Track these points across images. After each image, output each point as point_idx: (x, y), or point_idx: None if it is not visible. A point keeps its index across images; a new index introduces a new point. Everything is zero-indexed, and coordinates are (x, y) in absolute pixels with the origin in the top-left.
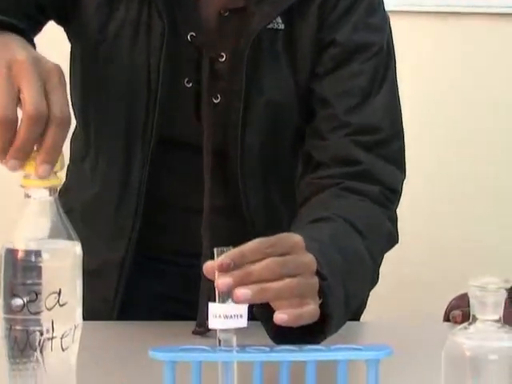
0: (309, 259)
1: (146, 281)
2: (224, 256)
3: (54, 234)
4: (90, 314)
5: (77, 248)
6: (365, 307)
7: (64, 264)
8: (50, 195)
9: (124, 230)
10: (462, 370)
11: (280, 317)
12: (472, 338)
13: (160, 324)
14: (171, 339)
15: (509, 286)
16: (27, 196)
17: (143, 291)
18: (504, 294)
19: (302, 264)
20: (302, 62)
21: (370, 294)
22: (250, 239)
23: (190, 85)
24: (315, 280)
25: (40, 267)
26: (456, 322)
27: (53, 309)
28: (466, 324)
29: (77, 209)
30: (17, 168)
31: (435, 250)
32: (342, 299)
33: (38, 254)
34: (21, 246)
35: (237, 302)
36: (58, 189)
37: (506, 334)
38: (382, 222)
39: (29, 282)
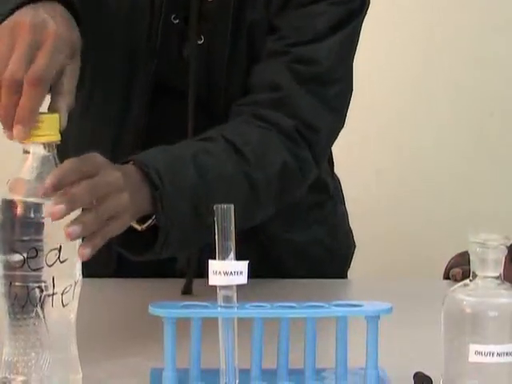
0: (114, 177)
1: None
2: (51, 176)
3: None
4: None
5: None
6: (349, 264)
7: (64, 220)
8: (49, 151)
9: None
10: (462, 326)
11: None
12: (472, 295)
13: (159, 281)
14: (172, 296)
15: (509, 243)
16: (26, 151)
17: None
18: (504, 251)
19: (107, 184)
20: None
21: (372, 252)
22: None
23: (177, 21)
24: (124, 196)
25: (40, 223)
26: (456, 280)
27: (53, 265)
28: (465, 281)
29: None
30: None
31: (435, 208)
32: (186, 211)
33: (37, 210)
34: (20, 201)
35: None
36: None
37: (506, 290)
38: (276, 152)
39: (29, 238)
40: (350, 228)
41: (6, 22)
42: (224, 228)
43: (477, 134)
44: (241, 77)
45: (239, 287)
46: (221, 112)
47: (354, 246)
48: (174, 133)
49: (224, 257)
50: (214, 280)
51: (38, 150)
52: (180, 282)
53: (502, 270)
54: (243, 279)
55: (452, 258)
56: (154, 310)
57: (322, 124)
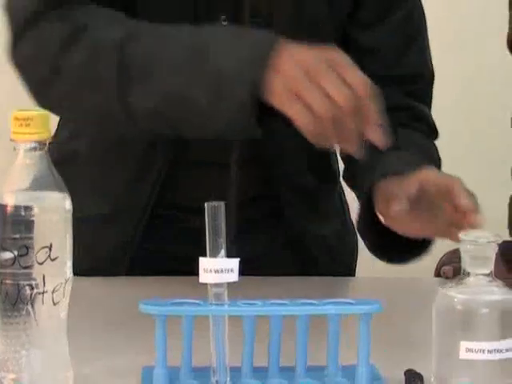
0: None
1: (159, 233)
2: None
3: (43, 188)
4: (98, 262)
5: (67, 201)
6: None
7: (55, 217)
8: (40, 149)
9: (150, 172)
10: (453, 323)
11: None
12: (463, 292)
13: (156, 279)
14: (168, 295)
15: (500, 240)
16: (17, 149)
17: (155, 243)
18: (495, 248)
19: None
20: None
21: (363, 249)
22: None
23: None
24: None
25: (31, 221)
26: (447, 277)
27: (44, 263)
28: (457, 278)
29: (88, 152)
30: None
31: None
32: None
33: (28, 207)
34: (11, 199)
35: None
36: (48, 142)
37: (497, 288)
38: (435, 150)
39: (19, 236)
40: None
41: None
42: (215, 225)
43: (469, 135)
44: None
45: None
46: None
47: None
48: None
49: (215, 254)
50: (204, 278)
51: (29, 148)
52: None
53: (492, 268)
54: (234, 277)
55: (443, 256)
56: (144, 308)
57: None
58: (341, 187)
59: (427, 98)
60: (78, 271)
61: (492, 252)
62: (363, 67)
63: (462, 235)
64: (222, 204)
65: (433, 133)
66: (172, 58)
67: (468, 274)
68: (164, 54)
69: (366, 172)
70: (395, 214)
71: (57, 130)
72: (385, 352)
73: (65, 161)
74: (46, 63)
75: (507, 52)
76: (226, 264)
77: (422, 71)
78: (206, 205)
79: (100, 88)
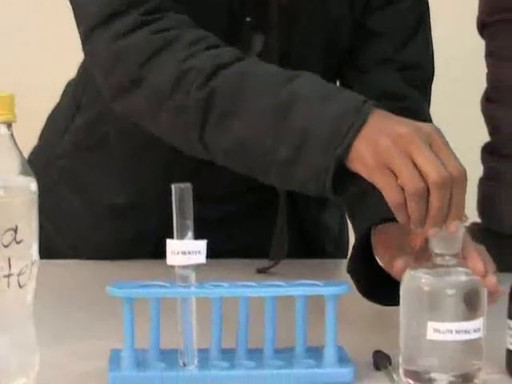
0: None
1: None
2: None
3: (9, 170)
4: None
5: (32, 184)
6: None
7: (20, 200)
8: (7, 130)
9: (178, 168)
10: (421, 304)
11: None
12: (430, 273)
13: (128, 263)
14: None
15: (467, 221)
16: None
17: None
18: (462, 230)
19: None
20: None
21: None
22: None
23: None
24: None
25: None
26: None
27: (9, 246)
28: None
29: (117, 139)
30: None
31: None
32: None
33: None
34: None
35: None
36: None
37: (465, 269)
38: None
39: None
40: None
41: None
42: (182, 207)
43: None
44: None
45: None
46: None
47: None
48: None
49: (182, 236)
50: (172, 260)
51: None
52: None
53: (460, 249)
54: (202, 258)
55: None
56: (111, 291)
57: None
58: None
59: (426, 90)
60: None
61: (459, 233)
62: (368, 50)
63: None
64: (188, 185)
65: None
66: (258, 101)
67: (435, 256)
68: (250, 96)
69: (364, 211)
70: (401, 269)
71: (79, 106)
72: (353, 334)
73: (94, 145)
74: (127, 71)
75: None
76: (194, 246)
77: (425, 62)
78: (172, 186)
79: (180, 115)
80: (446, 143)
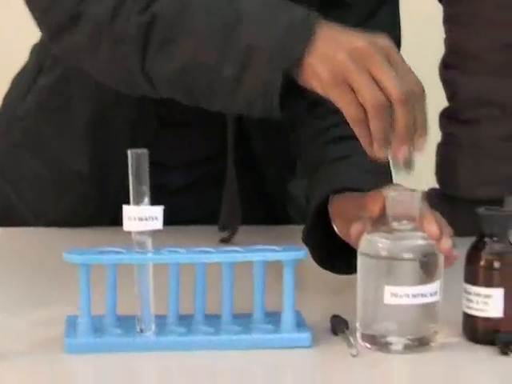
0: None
1: None
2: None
3: None
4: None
5: None
6: None
7: None
8: None
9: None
10: (378, 269)
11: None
12: (387, 238)
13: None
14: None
15: (425, 188)
16: None
17: None
18: (419, 195)
19: None
20: None
21: None
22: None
23: None
24: None
25: None
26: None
27: None
28: (381, 224)
29: (79, 104)
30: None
31: None
32: None
33: None
34: None
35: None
36: None
37: (421, 233)
38: None
39: None
40: None
41: (332, 49)
42: (138, 173)
43: None
44: None
45: None
46: None
47: None
48: None
49: (138, 202)
50: (128, 226)
51: None
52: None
53: (417, 214)
54: (159, 224)
55: None
56: (68, 257)
57: None
58: None
59: None
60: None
61: (416, 198)
62: (334, 21)
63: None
64: (145, 151)
65: None
66: (200, 24)
67: (392, 220)
68: (193, 19)
69: (321, 180)
70: (357, 235)
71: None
72: (311, 299)
73: (58, 107)
74: (65, 8)
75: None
76: (150, 212)
77: (392, 32)
78: (129, 152)
79: (121, 45)
80: (402, 58)
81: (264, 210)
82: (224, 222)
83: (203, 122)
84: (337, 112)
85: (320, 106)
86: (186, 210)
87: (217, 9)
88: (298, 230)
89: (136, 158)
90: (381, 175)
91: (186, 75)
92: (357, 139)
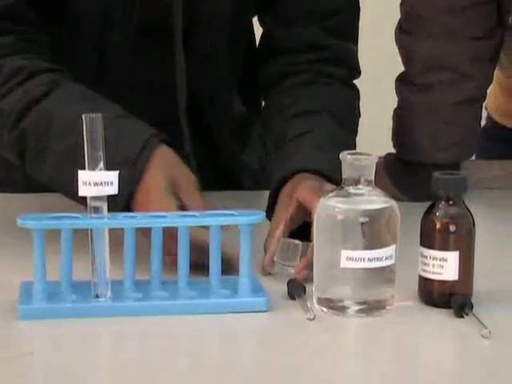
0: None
1: None
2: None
3: None
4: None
5: None
6: None
7: None
8: None
9: None
10: (334, 233)
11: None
12: (343, 202)
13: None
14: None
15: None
16: None
17: None
18: (375, 158)
19: None
20: None
21: None
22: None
23: None
24: None
25: None
26: None
27: None
28: (338, 188)
29: None
30: None
31: None
32: None
33: None
34: None
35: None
36: None
37: (377, 197)
38: (355, 104)
39: None
40: None
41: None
42: (93, 138)
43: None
44: (227, 6)
45: None
46: (202, 49)
47: None
48: (159, 71)
49: (93, 167)
50: (84, 191)
51: None
52: None
53: (373, 177)
54: (114, 189)
55: None
56: (22, 223)
57: (357, 58)
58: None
59: (350, 32)
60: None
61: (371, 162)
62: (288, 3)
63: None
64: (99, 116)
65: (353, 73)
66: (58, 144)
67: (348, 184)
68: (54, 138)
69: (279, 159)
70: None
71: None
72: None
73: None
74: None
75: None
76: (105, 177)
77: (343, 6)
78: (83, 117)
79: (3, 151)
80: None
81: (218, 178)
82: None
83: (153, 87)
84: (300, 87)
85: (285, 81)
86: None
87: (71, 131)
88: (252, 195)
89: (90, 123)
90: (336, 151)
91: (55, 183)
92: (318, 113)
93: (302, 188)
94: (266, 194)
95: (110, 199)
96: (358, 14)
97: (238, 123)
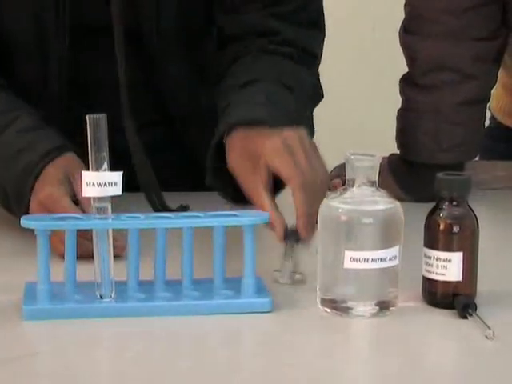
0: None
1: None
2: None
3: None
4: None
5: None
6: None
7: None
8: None
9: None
10: (337, 233)
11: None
12: (347, 202)
13: None
14: None
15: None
16: None
17: None
18: (379, 159)
19: None
20: None
21: None
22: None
23: None
24: None
25: None
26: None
27: None
28: (341, 189)
29: None
30: None
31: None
32: None
33: None
34: None
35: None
36: None
37: (381, 197)
38: (305, 75)
39: None
40: None
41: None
42: (97, 138)
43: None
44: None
45: None
46: (154, 46)
47: None
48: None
49: (97, 168)
50: (88, 192)
51: None
52: None
53: (376, 178)
54: (118, 190)
55: (333, 170)
56: (26, 223)
57: (314, 43)
58: None
59: (301, 19)
60: None
61: (375, 162)
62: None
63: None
64: (103, 116)
65: (307, 56)
66: None
67: (352, 185)
68: None
69: (225, 113)
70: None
71: None
72: (271, 264)
73: None
74: None
75: None
76: (109, 177)
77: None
78: (87, 117)
79: None
80: (314, 147)
81: (192, 177)
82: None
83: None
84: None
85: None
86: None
87: None
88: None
89: (94, 124)
90: (278, 104)
91: None
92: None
93: (266, 151)
94: None
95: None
96: (317, 1)
97: (208, 118)
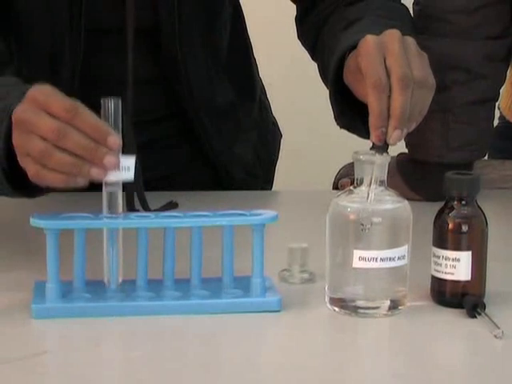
0: None
1: None
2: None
3: None
4: None
5: None
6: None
7: None
8: None
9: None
10: (346, 233)
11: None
12: (356, 202)
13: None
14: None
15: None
16: None
17: None
18: (388, 158)
19: None
20: None
21: None
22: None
23: None
24: None
25: None
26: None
27: None
28: (350, 188)
29: None
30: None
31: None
32: None
33: None
34: None
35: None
36: None
37: (390, 197)
38: (399, 6)
39: None
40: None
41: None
42: (111, 122)
43: None
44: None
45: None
46: (171, 44)
47: (281, 135)
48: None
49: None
50: None
51: None
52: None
53: (385, 177)
54: (130, 175)
55: (341, 169)
56: (35, 222)
57: None
58: (262, 91)
59: None
60: None
61: (384, 161)
62: None
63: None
64: (118, 100)
65: None
66: None
67: (361, 184)
68: None
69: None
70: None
71: None
72: (280, 263)
73: None
74: None
75: None
76: (123, 162)
77: None
78: (102, 100)
79: None
80: (418, 51)
81: (209, 176)
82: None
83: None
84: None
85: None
86: None
87: None
88: (243, 195)
89: (108, 106)
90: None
91: None
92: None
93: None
94: (259, 194)
95: None
96: None
97: (224, 113)
